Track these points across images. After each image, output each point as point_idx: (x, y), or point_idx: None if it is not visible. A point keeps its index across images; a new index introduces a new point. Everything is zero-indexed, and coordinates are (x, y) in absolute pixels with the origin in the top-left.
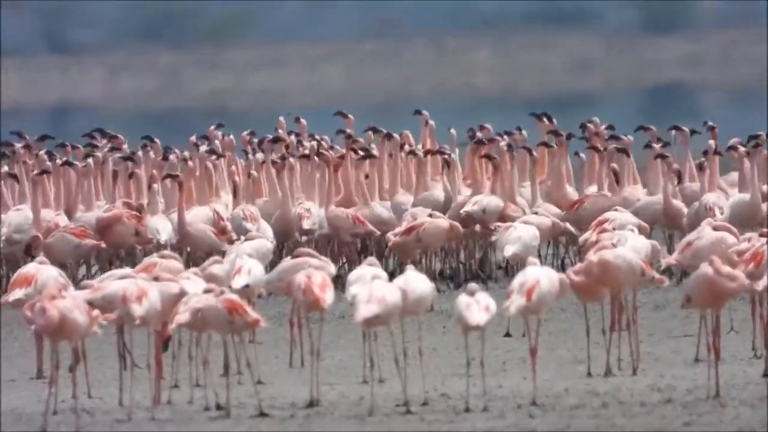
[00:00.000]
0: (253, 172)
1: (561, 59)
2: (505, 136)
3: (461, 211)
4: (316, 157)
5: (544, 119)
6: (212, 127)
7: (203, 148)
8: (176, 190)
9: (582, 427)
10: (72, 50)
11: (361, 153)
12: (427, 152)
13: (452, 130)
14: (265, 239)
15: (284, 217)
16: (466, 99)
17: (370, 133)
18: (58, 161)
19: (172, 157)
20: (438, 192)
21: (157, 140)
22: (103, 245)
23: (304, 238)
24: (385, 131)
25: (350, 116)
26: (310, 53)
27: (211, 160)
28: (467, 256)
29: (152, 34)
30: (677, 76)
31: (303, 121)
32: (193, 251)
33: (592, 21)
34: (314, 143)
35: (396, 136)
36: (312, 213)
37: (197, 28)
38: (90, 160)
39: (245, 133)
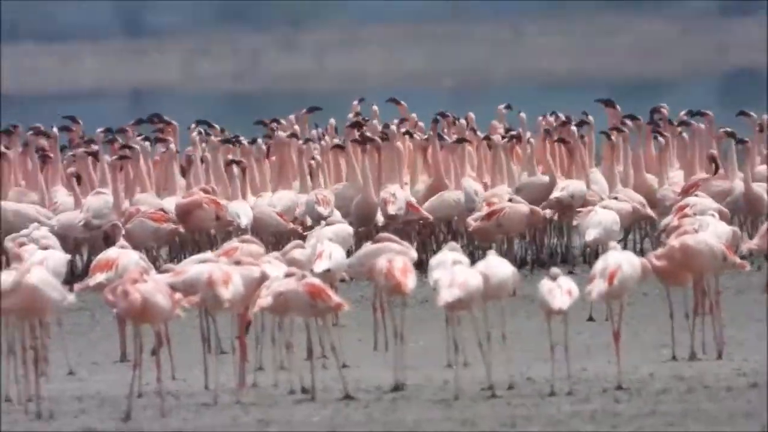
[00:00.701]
0: (317, 158)
1: (636, 42)
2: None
3: (552, 197)
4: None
5: (616, 106)
6: (304, 111)
7: (280, 132)
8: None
9: (668, 412)
10: (149, 34)
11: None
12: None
13: (522, 114)
14: (345, 223)
15: (367, 201)
16: (540, 82)
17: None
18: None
19: (258, 142)
20: (544, 177)
21: (216, 126)
22: (182, 230)
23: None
24: (451, 116)
25: (403, 103)
26: (388, 35)
27: (298, 145)
28: (548, 241)
29: (231, 17)
30: (755, 60)
31: (375, 107)
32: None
33: (668, 3)
34: (394, 127)
35: (462, 121)
36: (397, 197)
37: (276, 11)
38: (171, 146)
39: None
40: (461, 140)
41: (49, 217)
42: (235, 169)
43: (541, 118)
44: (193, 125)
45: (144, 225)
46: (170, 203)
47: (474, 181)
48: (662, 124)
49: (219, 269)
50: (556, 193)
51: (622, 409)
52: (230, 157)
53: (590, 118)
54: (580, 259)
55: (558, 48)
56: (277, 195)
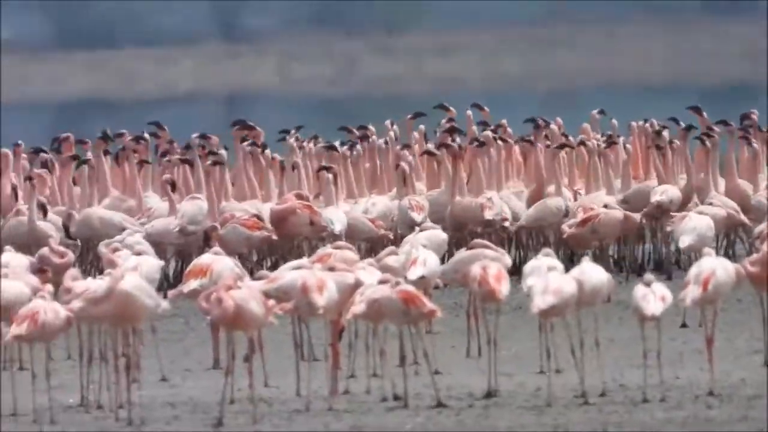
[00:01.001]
0: (408, 164)
1: (734, 47)
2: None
3: (653, 200)
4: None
5: (703, 113)
6: (409, 116)
7: (375, 138)
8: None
9: (760, 418)
10: (245, 37)
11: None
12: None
13: (614, 120)
14: (439, 230)
15: (461, 207)
16: (635, 86)
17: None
18: (221, 151)
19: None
20: (653, 182)
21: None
22: (275, 237)
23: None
24: (541, 120)
25: (452, 108)
26: (482, 39)
27: (396, 151)
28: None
29: (326, 21)
30: None
31: (469, 112)
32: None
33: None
34: (488, 132)
35: (553, 126)
36: (494, 203)
37: (371, 15)
38: (267, 152)
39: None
40: (563, 146)
41: (133, 224)
42: (329, 175)
43: (634, 123)
44: (293, 131)
45: (237, 231)
46: (265, 209)
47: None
48: (752, 131)
49: (313, 276)
50: (657, 197)
51: (714, 416)
52: (323, 163)
53: (682, 124)
54: (674, 266)
55: (653, 52)
56: (372, 201)
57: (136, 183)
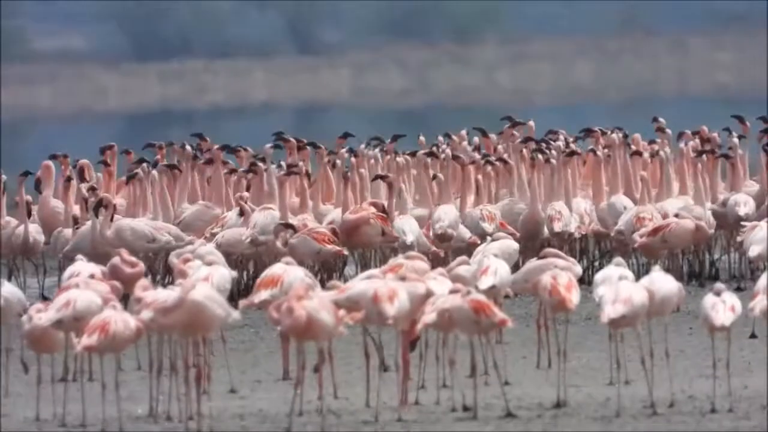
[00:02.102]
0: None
1: None
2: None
3: (741, 214)
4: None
5: (746, 122)
6: (507, 126)
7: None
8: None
9: None
10: (318, 49)
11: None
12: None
13: (688, 132)
14: (511, 239)
15: (533, 218)
16: (709, 96)
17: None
18: (300, 163)
19: (399, 159)
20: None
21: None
22: (345, 252)
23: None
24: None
25: (463, 133)
26: (555, 49)
27: (475, 159)
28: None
29: (399, 32)
30: None
31: (531, 122)
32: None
33: None
34: (560, 143)
35: (616, 136)
36: (564, 215)
37: (444, 26)
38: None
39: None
40: (636, 153)
41: (162, 233)
42: (401, 185)
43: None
44: (366, 141)
45: (307, 243)
46: (336, 216)
47: (624, 197)
48: None
49: (385, 285)
50: (740, 209)
51: None
52: (380, 172)
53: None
54: (746, 275)
55: (724, 61)
56: (444, 210)
57: (224, 192)
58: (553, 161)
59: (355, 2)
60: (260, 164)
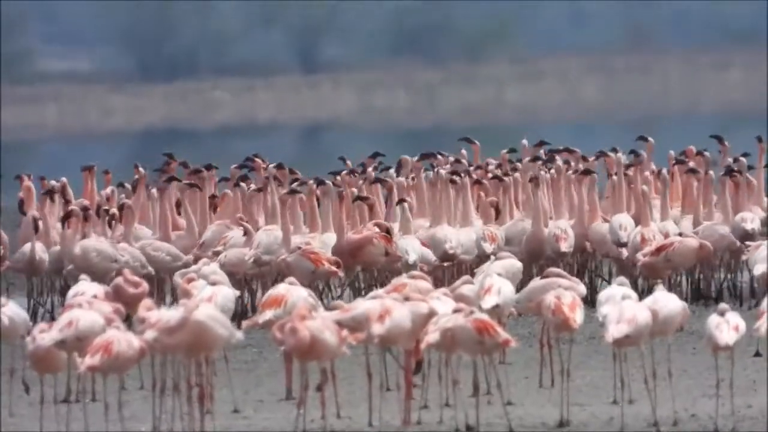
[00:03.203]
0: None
1: None
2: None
3: (746, 228)
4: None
5: (725, 143)
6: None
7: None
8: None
9: None
10: (324, 68)
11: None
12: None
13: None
14: (515, 259)
15: (536, 237)
16: (720, 115)
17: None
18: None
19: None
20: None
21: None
22: (340, 274)
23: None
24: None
25: (476, 142)
26: (564, 67)
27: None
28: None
29: (405, 50)
30: None
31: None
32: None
33: None
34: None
35: (641, 155)
36: (568, 234)
37: (451, 43)
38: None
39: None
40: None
41: (122, 254)
42: (405, 204)
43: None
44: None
45: (302, 263)
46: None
47: (626, 216)
48: None
49: (379, 305)
50: (747, 225)
51: None
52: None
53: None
54: (749, 294)
55: (731, 79)
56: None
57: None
58: (547, 176)
59: (361, 21)
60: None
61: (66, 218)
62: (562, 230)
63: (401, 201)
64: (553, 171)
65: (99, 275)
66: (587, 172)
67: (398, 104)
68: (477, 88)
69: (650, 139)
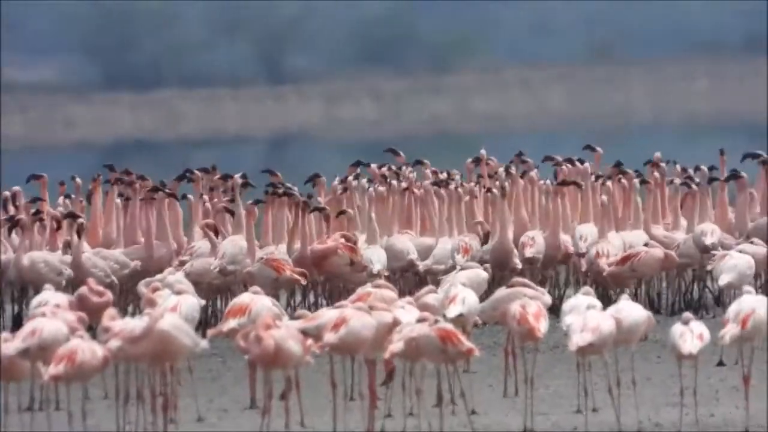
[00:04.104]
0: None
1: None
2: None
3: (708, 243)
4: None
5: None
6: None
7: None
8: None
9: None
10: (290, 79)
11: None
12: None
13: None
14: (480, 268)
15: (503, 246)
16: (684, 126)
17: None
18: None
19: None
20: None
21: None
22: (303, 282)
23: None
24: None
25: (401, 153)
26: (529, 78)
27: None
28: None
29: (372, 61)
30: None
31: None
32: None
33: None
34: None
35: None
36: (537, 241)
37: (418, 54)
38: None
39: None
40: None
41: (66, 267)
42: (372, 214)
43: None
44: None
45: (264, 271)
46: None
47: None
48: None
49: (339, 314)
50: (706, 239)
51: None
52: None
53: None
54: (713, 303)
55: (698, 90)
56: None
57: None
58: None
59: (327, 31)
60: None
61: (13, 227)
62: (530, 237)
63: (341, 213)
64: (530, 180)
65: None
66: (564, 183)
67: (364, 114)
68: (443, 98)
69: (598, 149)
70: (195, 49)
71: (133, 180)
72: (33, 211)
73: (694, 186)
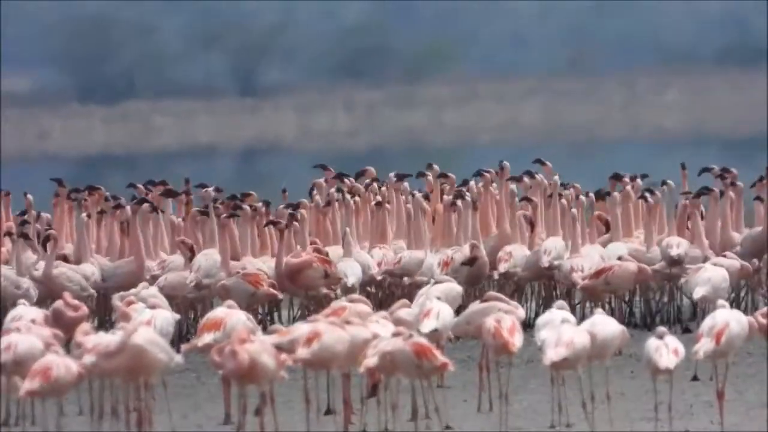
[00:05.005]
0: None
1: (751, 97)
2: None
3: (674, 255)
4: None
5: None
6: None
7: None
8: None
9: None
10: (263, 91)
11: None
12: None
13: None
14: (455, 282)
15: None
16: (658, 138)
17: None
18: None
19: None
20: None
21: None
22: (280, 296)
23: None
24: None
25: (331, 169)
26: (502, 90)
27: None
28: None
29: (345, 73)
30: None
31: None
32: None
33: None
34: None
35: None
36: (514, 256)
37: (391, 66)
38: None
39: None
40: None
41: (23, 282)
42: (347, 228)
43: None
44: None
45: (240, 286)
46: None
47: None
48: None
49: (312, 329)
50: (673, 251)
51: None
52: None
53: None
54: (687, 317)
55: (671, 103)
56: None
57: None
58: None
59: (301, 44)
60: (245, 208)
61: None
62: (507, 252)
63: (270, 223)
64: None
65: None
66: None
67: (338, 126)
68: (417, 110)
69: (547, 162)
70: (169, 61)
71: (84, 197)
72: None
73: (651, 199)
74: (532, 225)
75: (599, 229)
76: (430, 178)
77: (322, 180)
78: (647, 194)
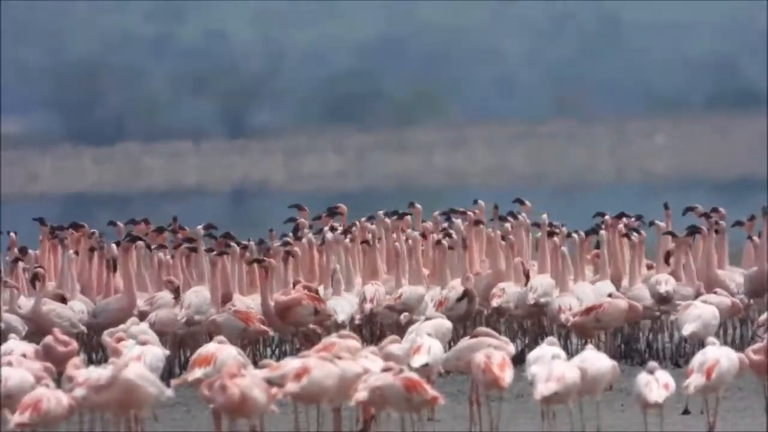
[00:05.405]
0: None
1: (739, 141)
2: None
3: (662, 291)
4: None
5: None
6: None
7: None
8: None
9: None
10: (252, 133)
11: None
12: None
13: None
14: (444, 318)
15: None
16: (646, 182)
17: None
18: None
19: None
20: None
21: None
22: (270, 333)
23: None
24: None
25: (306, 208)
26: (492, 134)
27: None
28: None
29: (335, 117)
30: None
31: (480, 203)
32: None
33: None
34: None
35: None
36: (507, 292)
37: (381, 110)
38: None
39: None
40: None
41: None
42: (337, 265)
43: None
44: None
45: (231, 322)
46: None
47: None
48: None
49: (302, 364)
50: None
51: None
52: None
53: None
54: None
55: (659, 147)
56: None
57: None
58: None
59: (291, 88)
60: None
61: None
62: (500, 288)
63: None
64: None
65: None
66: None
67: (328, 169)
68: (406, 154)
69: (527, 202)
70: (159, 104)
71: (65, 236)
72: None
73: (634, 237)
74: (527, 276)
75: (597, 266)
76: (409, 218)
77: (302, 219)
78: (632, 233)
